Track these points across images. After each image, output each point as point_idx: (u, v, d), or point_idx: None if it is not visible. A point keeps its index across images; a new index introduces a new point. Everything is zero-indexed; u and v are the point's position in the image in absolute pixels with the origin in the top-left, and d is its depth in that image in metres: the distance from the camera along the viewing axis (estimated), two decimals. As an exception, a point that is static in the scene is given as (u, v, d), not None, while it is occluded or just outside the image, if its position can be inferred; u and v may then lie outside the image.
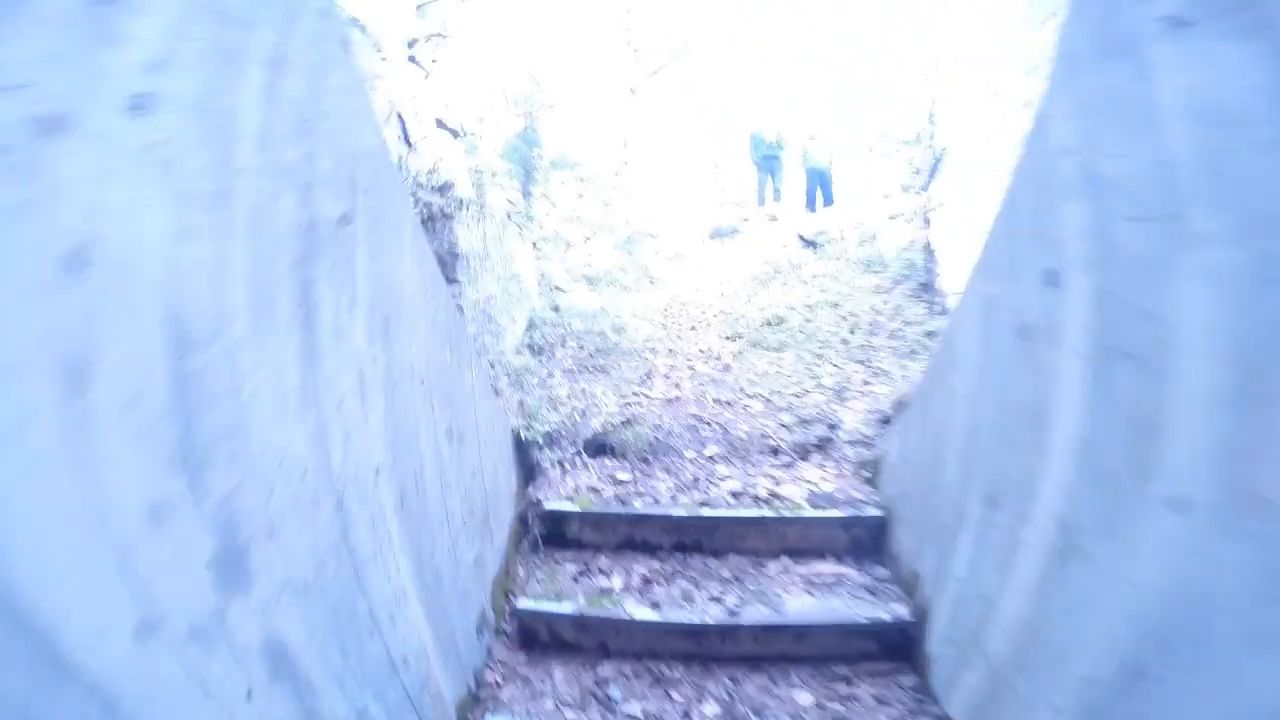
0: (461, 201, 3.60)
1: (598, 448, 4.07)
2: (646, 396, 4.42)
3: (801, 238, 8.97)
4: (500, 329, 4.30)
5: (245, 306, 1.34)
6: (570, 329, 5.11)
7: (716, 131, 21.76)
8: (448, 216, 3.41)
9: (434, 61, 4.62)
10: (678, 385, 4.58)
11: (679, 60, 14.20)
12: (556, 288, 6.51)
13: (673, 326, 5.73)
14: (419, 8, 4.52)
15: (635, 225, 13.06)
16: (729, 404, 4.36)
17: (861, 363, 4.71)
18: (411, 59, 4.29)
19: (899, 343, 4.72)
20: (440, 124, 4.71)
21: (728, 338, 5.30)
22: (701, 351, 5.11)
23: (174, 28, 1.08)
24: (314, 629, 1.51)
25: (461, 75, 5.42)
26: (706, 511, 3.50)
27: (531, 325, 5.04)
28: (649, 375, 4.69)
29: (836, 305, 5.42)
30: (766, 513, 3.50)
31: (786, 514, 3.48)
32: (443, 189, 3.51)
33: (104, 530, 0.93)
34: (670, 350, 5.09)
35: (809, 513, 3.50)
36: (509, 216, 4.62)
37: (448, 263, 3.50)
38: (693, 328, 5.67)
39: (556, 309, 5.67)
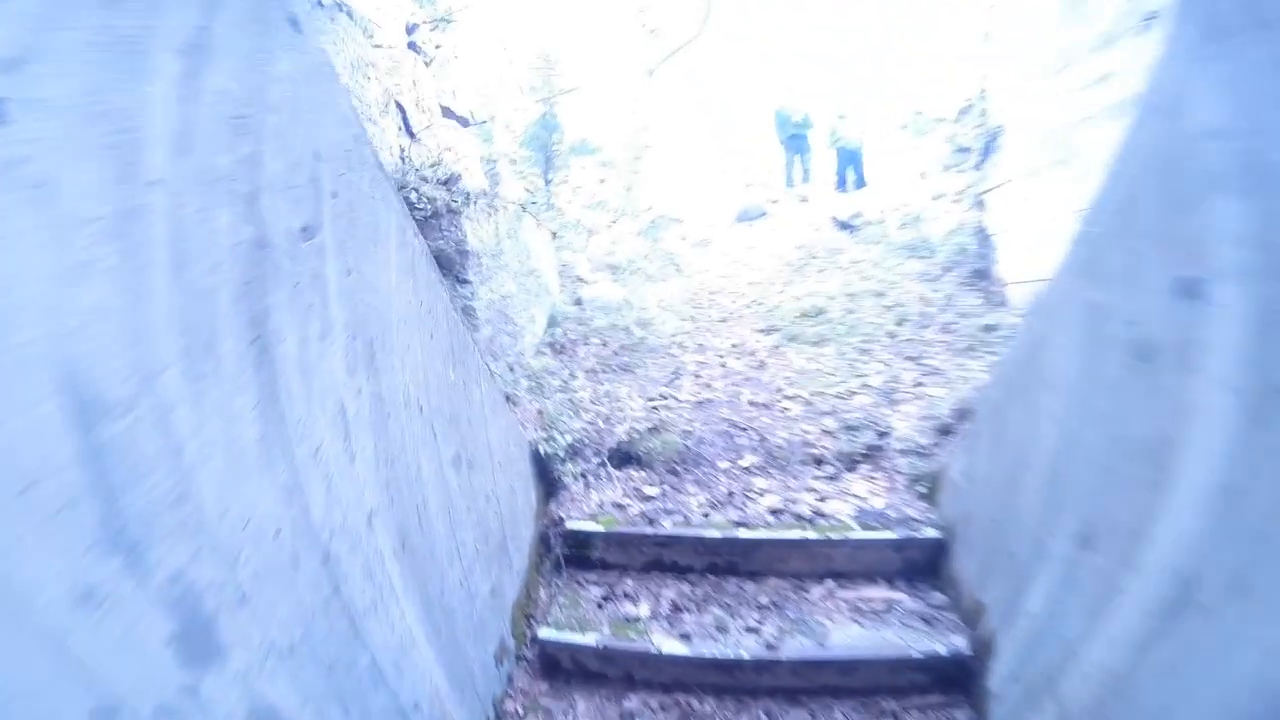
0: (469, 195, 3.34)
1: (623, 458, 3.81)
2: (675, 399, 4.13)
3: (836, 220, 8.49)
4: (518, 328, 4.06)
5: (176, 353, 1.10)
6: (593, 325, 4.84)
7: (738, 112, 21.07)
8: (454, 212, 3.16)
9: (438, 48, 4.35)
10: (709, 385, 4.28)
11: (697, 39, 13.64)
12: (579, 279, 6.24)
13: (702, 319, 5.40)
14: (422, -12, 4.25)
15: (659, 210, 12.69)
16: (766, 407, 4.05)
17: (912, 359, 4.32)
18: (412, 45, 4.03)
19: (953, 337, 4.32)
20: (448, 112, 4.44)
21: (762, 331, 4.97)
22: (734, 346, 4.79)
23: (36, 17, 0.83)
24: (307, 690, 1.41)
25: (471, 61, 5.14)
26: (743, 533, 3.22)
27: (552, 322, 4.78)
28: (677, 374, 4.40)
29: (880, 294, 5.02)
30: (810, 533, 3.21)
31: (833, 535, 3.19)
32: (449, 182, 3.25)
33: (28, 621, 0.88)
34: (700, 346, 4.78)
35: (857, 533, 3.21)
36: (524, 208, 4.35)
37: (457, 262, 3.25)
38: (723, 320, 5.34)
39: (579, 302, 5.40)
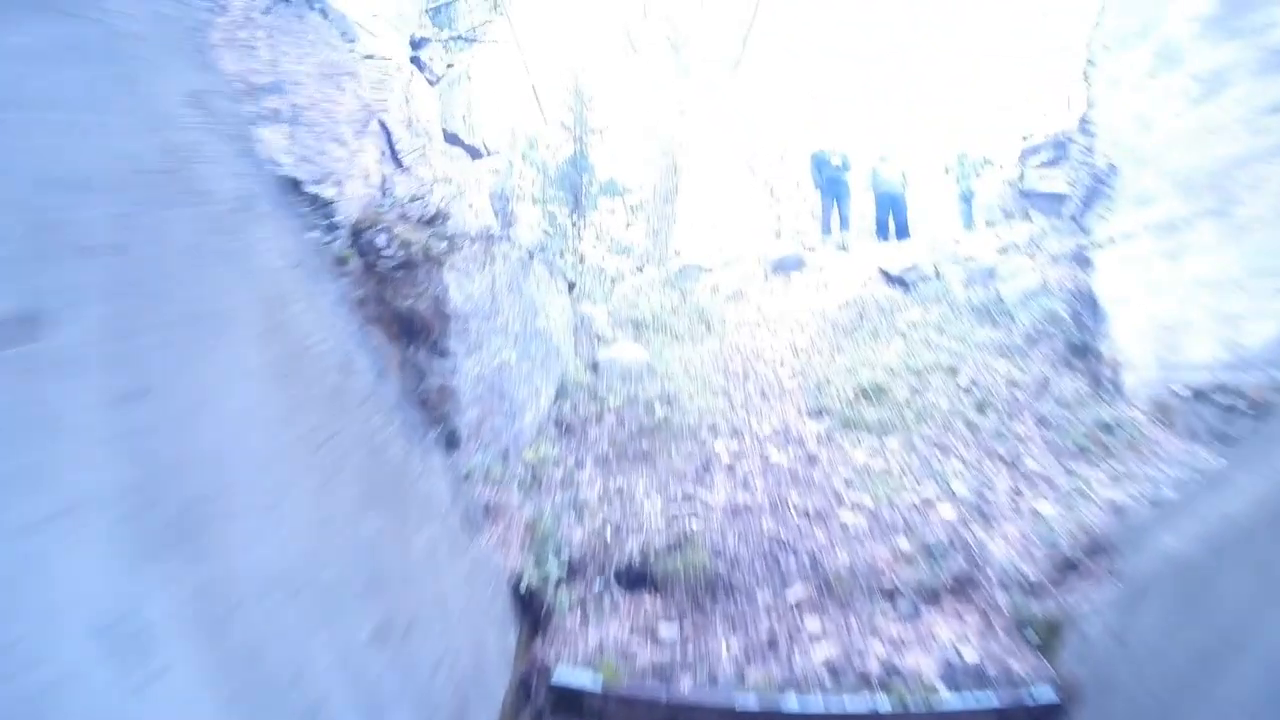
0: (457, 239, 2.69)
1: (634, 579, 2.99)
2: (704, 502, 3.32)
3: (886, 274, 7.71)
4: (517, 406, 3.34)
5: None
6: (609, 398, 4.09)
7: (773, 155, 20.68)
8: (435, 260, 2.50)
9: (450, 66, 3.84)
10: (746, 484, 3.46)
11: (731, 77, 13.27)
12: (597, 336, 5.53)
13: (737, 393, 4.62)
14: (430, 10, 3.75)
15: (688, 257, 12.08)
16: (820, 517, 3.21)
17: (1005, 462, 3.45)
18: (416, 60, 3.51)
19: (1054, 434, 3.45)
20: (453, 139, 3.89)
21: (811, 413, 4.16)
22: (776, 432, 3.98)
23: None
24: None
25: (489, 86, 4.63)
26: (791, 705, 2.40)
27: (562, 393, 4.06)
28: (707, 467, 3.60)
29: (952, 370, 4.19)
30: (882, 705, 2.38)
31: (914, 707, 2.36)
32: (434, 220, 2.62)
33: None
34: (735, 429, 3.98)
35: (947, 701, 2.38)
36: (531, 254, 3.70)
37: (434, 326, 2.57)
38: (763, 394, 4.55)
39: (595, 367, 4.68)
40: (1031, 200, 7.22)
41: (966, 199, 11.04)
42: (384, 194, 2.71)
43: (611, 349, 4.78)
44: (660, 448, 3.71)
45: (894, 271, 7.45)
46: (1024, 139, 8.42)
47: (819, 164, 11.86)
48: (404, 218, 2.58)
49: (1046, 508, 3.09)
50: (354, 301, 2.25)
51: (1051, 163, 6.75)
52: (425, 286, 2.51)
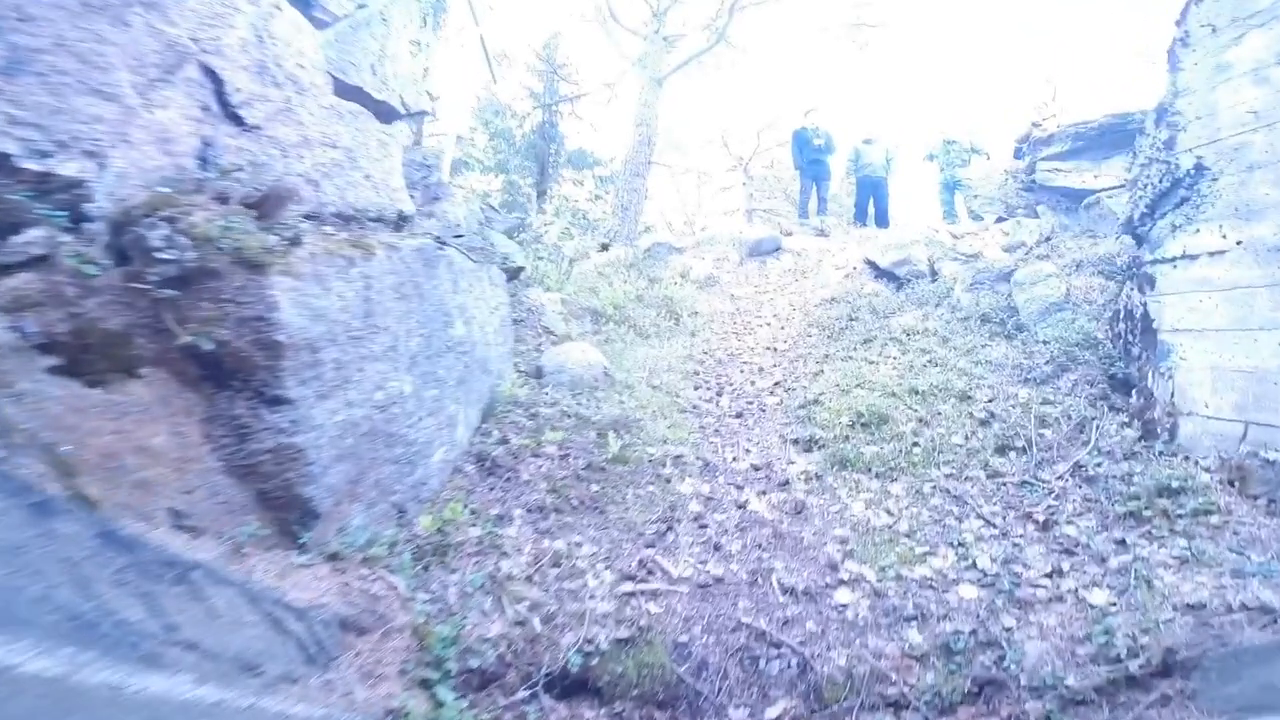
0: (296, 234, 1.79)
1: (571, 687, 2.26)
2: (664, 572, 2.58)
3: (874, 266, 7.01)
4: (415, 449, 2.50)
5: None
6: (551, 420, 3.29)
7: (751, 130, 19.71)
8: (251, 264, 1.61)
9: (361, 7, 2.87)
10: (718, 547, 2.73)
11: (714, 49, 12.25)
12: (545, 330, 4.69)
13: (709, 411, 3.87)
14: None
15: (658, 235, 11.18)
16: (810, 596, 2.50)
17: (1037, 524, 2.79)
18: None
19: (1100, 491, 2.80)
20: (355, 94, 2.94)
21: (797, 443, 3.44)
22: (756, 469, 3.25)
23: None
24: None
25: (423, 38, 3.67)
26: None
27: (490, 412, 3.23)
28: (671, 520, 2.84)
29: (966, 396, 3.51)
30: None
31: None
32: (263, 204, 1.74)
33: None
34: (705, 466, 3.23)
35: None
36: (442, 243, 2.80)
37: (256, 364, 1.68)
38: (739, 413, 3.81)
39: (539, 374, 3.85)
40: (1041, 195, 6.58)
41: (950, 188, 10.43)
42: (204, 165, 1.81)
43: (560, 350, 3.95)
44: (613, 492, 2.94)
45: (883, 264, 6.76)
46: (1035, 127, 7.74)
47: (801, 143, 11.07)
48: (221, 199, 1.70)
49: (1095, 593, 2.46)
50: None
51: (1068, 155, 6.11)
52: (236, 305, 1.63)
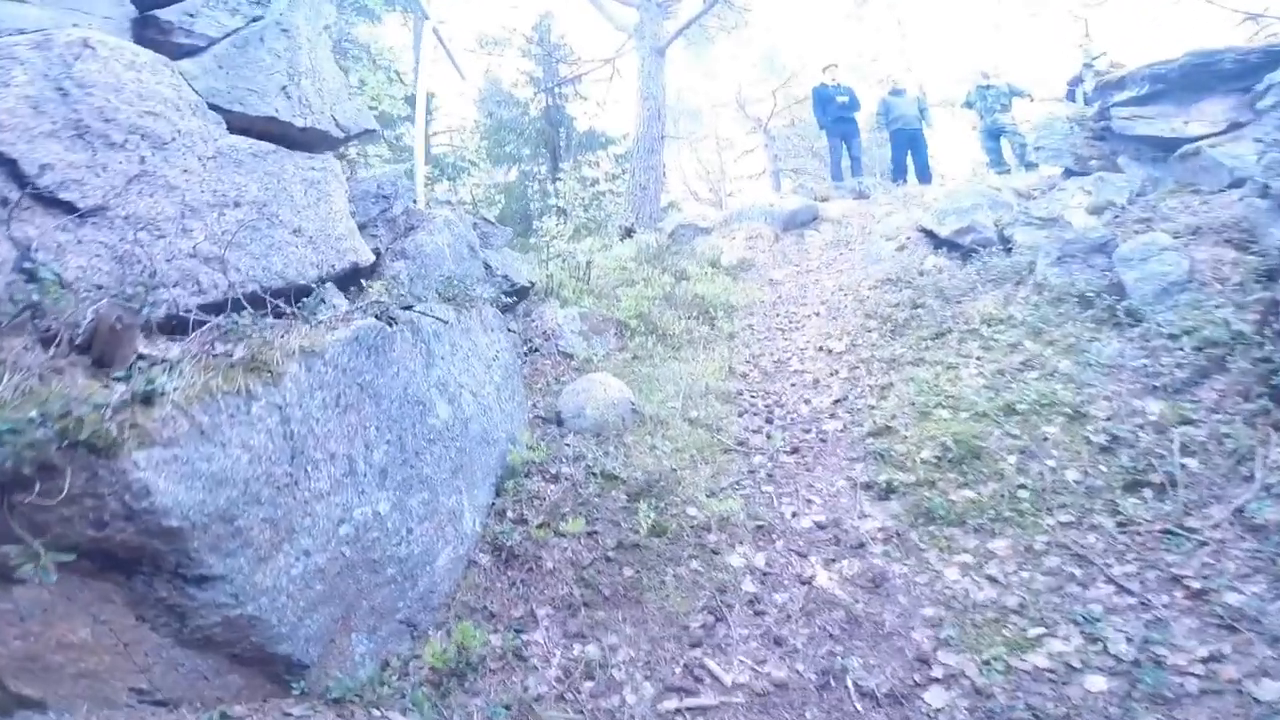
0: (150, 390, 1.36)
1: None
2: (714, 679, 2.18)
3: (931, 235, 6.33)
4: (408, 564, 2.12)
5: None
6: (570, 497, 2.91)
7: (767, 91, 18.56)
8: (95, 449, 1.18)
9: (253, 20, 2.44)
10: (779, 642, 2.29)
11: (713, 7, 11.42)
12: (564, 356, 4.29)
13: (757, 447, 3.41)
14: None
15: (682, 214, 10.56)
16: (894, 700, 2.05)
17: (1186, 589, 2.26)
18: (147, 20, 2.14)
19: (1273, 547, 2.26)
20: (264, 127, 2.48)
21: (870, 488, 2.96)
22: (821, 527, 2.78)
23: None
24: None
25: (343, 44, 3.23)
26: None
27: (502, 490, 2.86)
28: (719, 612, 2.44)
29: (1078, 413, 2.93)
30: None
31: None
32: (94, 343, 1.31)
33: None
34: (759, 525, 2.80)
35: None
36: (403, 313, 2.37)
37: (142, 557, 1.29)
38: (795, 447, 3.34)
39: (558, 420, 3.47)
40: (1119, 145, 5.78)
41: (994, 134, 9.54)
42: (31, 279, 1.41)
43: (580, 388, 3.55)
44: (650, 576, 2.54)
45: (943, 233, 6.07)
46: (1105, 68, 6.83)
47: (823, 101, 10.32)
48: (47, 338, 1.31)
49: (1265, 685, 1.95)
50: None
51: (1146, 100, 5.35)
52: (96, 499, 1.26)
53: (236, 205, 2.12)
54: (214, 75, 2.30)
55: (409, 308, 2.29)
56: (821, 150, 15.40)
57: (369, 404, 1.97)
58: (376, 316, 2.08)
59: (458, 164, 9.99)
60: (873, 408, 3.47)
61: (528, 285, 4.39)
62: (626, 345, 4.61)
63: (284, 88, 2.47)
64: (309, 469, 1.71)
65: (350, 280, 2.58)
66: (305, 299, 2.09)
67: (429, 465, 2.20)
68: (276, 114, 2.44)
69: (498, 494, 2.84)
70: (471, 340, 2.76)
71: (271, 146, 2.35)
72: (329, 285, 2.37)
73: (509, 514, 2.75)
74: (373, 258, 2.70)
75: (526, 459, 2.94)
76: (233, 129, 2.33)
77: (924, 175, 9.95)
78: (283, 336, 1.74)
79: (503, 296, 3.65)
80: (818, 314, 5.22)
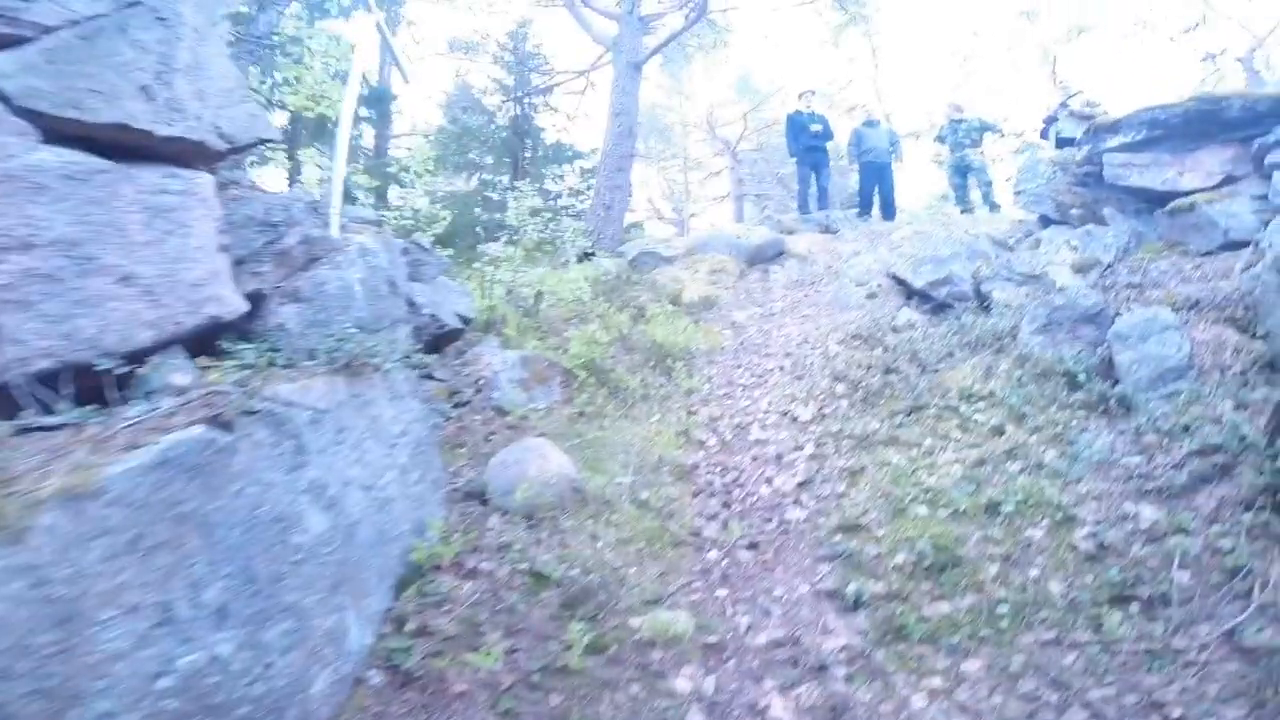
0: None
1: None
2: None
3: (904, 285, 6.31)
4: (269, 698, 1.73)
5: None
6: (492, 579, 2.60)
7: (737, 111, 18.83)
8: None
9: (131, 4, 2.14)
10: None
11: (693, 25, 11.54)
12: (498, 411, 3.99)
13: (712, 539, 3.16)
14: None
15: (645, 240, 10.40)
16: None
17: (1166, 719, 2.14)
18: None
19: (1262, 673, 2.12)
20: (107, 133, 2.14)
21: (834, 597, 2.72)
22: (779, 645, 2.53)
23: None
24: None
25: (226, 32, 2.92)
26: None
27: (407, 583, 2.52)
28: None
29: (1066, 517, 2.77)
30: None
31: None
32: None
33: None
34: (709, 640, 2.55)
35: None
36: (256, 412, 2.02)
37: None
38: (753, 545, 3.11)
39: (483, 497, 3.14)
40: (1103, 193, 5.82)
41: (961, 171, 9.84)
42: None
43: (512, 457, 3.23)
44: (582, 707, 2.25)
45: (916, 284, 6.03)
46: (1080, 106, 7.00)
47: (795, 128, 10.47)
48: None
49: None
50: None
51: (1141, 146, 5.31)
52: None
53: (27, 248, 1.75)
54: (37, 73, 1.92)
55: (248, 413, 1.82)
56: (787, 178, 15.67)
57: (193, 538, 1.61)
58: (209, 421, 1.72)
59: (399, 174, 9.59)
60: (841, 495, 3.27)
61: (460, 327, 4.08)
62: (573, 398, 4.32)
63: (145, 87, 2.12)
64: (93, 630, 1.36)
65: (212, 338, 2.20)
66: (139, 368, 1.73)
67: (294, 591, 1.86)
68: (130, 120, 2.07)
69: (398, 594, 2.50)
70: (370, 417, 2.42)
71: (102, 164, 1.98)
72: (175, 349, 2.01)
73: (410, 623, 2.41)
74: (244, 307, 2.31)
75: (435, 554, 2.61)
76: (61, 139, 1.95)
77: (888, 211, 10.18)
78: (40, 471, 1.40)
79: (425, 343, 3.33)
80: (782, 368, 5.06)
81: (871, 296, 6.34)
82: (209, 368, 2.03)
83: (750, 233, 9.07)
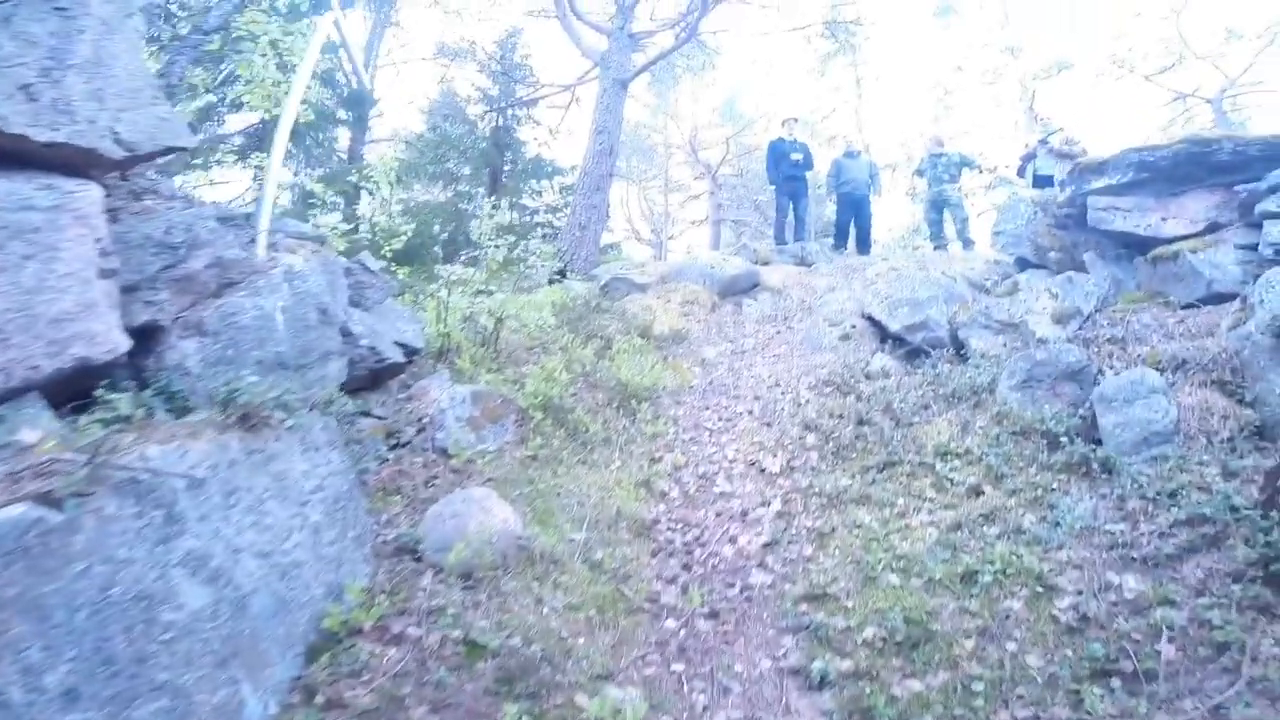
0: None
1: None
2: None
3: (879, 327, 6.30)
4: None
5: None
6: (418, 649, 2.41)
7: (719, 135, 19.13)
8: None
9: None
10: None
11: (683, 45, 11.72)
12: (441, 453, 3.80)
13: (670, 607, 2.99)
14: None
15: (618, 266, 10.33)
16: None
17: None
18: None
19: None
20: None
21: (799, 675, 2.57)
22: (736, 732, 2.40)
23: None
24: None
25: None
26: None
27: (320, 649, 2.31)
28: None
29: (1047, 586, 2.65)
30: None
31: None
32: None
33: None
34: (660, 727, 2.38)
35: None
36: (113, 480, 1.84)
37: None
38: (714, 614, 2.93)
39: (415, 551, 2.94)
40: (1084, 236, 5.87)
41: (937, 206, 10.02)
42: None
43: (450, 509, 3.03)
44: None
45: (892, 327, 6.03)
46: (1060, 144, 7.12)
47: (776, 156, 10.57)
48: None
49: None
50: None
51: (1125, 189, 5.36)
52: None
53: None
54: None
55: (89, 488, 1.59)
56: (765, 205, 15.85)
57: (21, 623, 1.42)
58: (36, 498, 1.51)
59: (361, 184, 9.39)
60: (809, 559, 3.15)
61: (401, 361, 3.89)
62: (527, 440, 4.15)
63: (27, 87, 1.95)
64: None
65: (90, 381, 1.99)
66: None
67: (168, 670, 1.65)
68: (0, 123, 1.89)
69: (309, 662, 2.29)
70: (273, 474, 2.22)
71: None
72: (31, 397, 1.80)
73: (320, 695, 2.19)
74: (124, 344, 2.10)
75: (353, 620, 2.40)
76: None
77: (863, 245, 10.28)
78: None
79: (362, 378, 3.14)
80: (751, 412, 4.96)
81: (845, 338, 6.30)
82: (77, 420, 1.82)
83: (725, 263, 9.05)
